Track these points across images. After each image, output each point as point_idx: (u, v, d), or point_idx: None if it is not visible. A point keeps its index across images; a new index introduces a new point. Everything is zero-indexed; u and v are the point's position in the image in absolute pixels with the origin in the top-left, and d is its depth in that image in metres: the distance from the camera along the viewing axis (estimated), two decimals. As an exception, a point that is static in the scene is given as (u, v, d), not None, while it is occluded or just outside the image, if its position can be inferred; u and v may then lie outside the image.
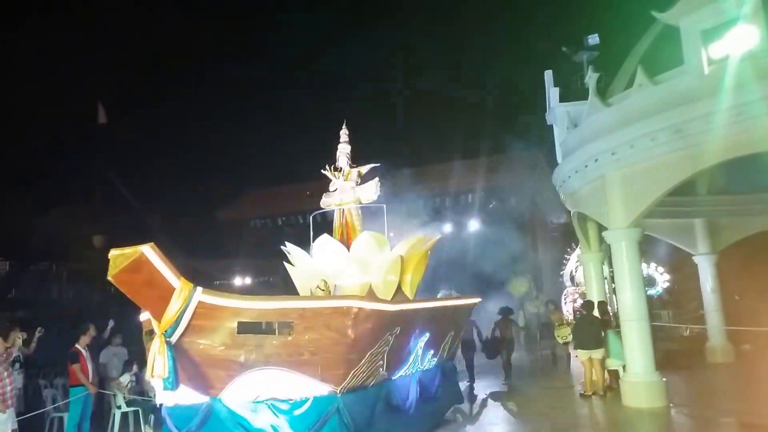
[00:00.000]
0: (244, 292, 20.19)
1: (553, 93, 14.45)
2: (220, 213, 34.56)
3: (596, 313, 12.50)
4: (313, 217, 10.43)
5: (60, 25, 37.35)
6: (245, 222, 34.34)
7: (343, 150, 10.39)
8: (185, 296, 5.88)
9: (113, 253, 5.53)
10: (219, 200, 34.77)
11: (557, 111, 14.13)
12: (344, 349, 6.90)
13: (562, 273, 27.43)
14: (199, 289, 6.01)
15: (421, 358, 8.95)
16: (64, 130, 30.13)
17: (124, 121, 30.29)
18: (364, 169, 10.29)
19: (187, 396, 6.82)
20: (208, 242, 27.28)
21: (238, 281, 26.59)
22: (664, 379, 10.65)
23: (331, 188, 10.36)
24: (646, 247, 15.49)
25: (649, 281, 21.07)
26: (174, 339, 6.08)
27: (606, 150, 10.93)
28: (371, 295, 9.24)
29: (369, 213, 10.42)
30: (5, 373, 8.39)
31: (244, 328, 6.49)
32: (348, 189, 9.97)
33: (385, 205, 9.85)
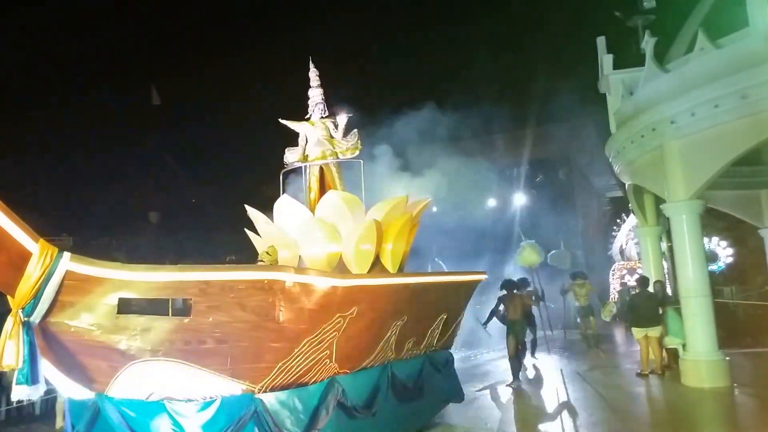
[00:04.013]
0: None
1: (606, 60, 12.94)
2: (266, 188, 36.94)
3: (651, 288, 11.44)
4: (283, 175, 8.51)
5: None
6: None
7: (317, 97, 8.43)
8: (47, 264, 4.61)
9: None
10: (267, 176, 35.96)
11: (611, 79, 12.69)
12: (266, 336, 5.20)
13: (610, 247, 25.18)
14: (67, 254, 4.73)
15: (395, 347, 6.90)
16: (120, 109, 31.35)
17: (175, 99, 31.29)
18: (339, 118, 8.51)
19: (75, 390, 5.28)
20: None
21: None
22: (727, 358, 9.70)
23: (301, 141, 8.44)
24: (707, 221, 15.08)
25: (711, 256, 19.01)
26: (36, 319, 4.74)
27: (665, 118, 9.93)
28: (341, 267, 7.35)
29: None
30: None
31: (127, 306, 5.02)
32: (324, 142, 8.18)
33: (362, 161, 8.04)
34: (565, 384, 10.82)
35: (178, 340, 5.00)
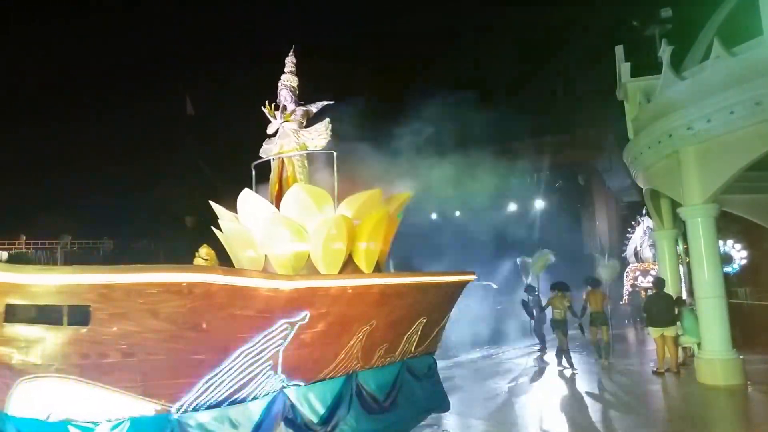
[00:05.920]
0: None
1: (624, 68, 12.45)
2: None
3: (667, 289, 11.00)
4: (255, 167, 7.46)
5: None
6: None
7: (286, 82, 7.42)
8: None
9: None
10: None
11: (629, 86, 12.17)
12: (186, 348, 4.25)
13: (624, 248, 24.20)
14: None
15: (361, 354, 5.82)
16: (155, 118, 31.89)
17: (213, 105, 31.71)
18: (314, 107, 7.56)
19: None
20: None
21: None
22: (741, 357, 9.37)
23: (269, 131, 7.51)
24: (722, 224, 15.00)
25: (726, 258, 18.09)
26: None
27: (681, 124, 9.53)
28: (309, 268, 6.18)
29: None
30: None
31: (16, 314, 4.13)
32: (290, 132, 7.26)
33: (335, 153, 6.89)
34: (582, 381, 10.45)
35: (73, 354, 4.06)
